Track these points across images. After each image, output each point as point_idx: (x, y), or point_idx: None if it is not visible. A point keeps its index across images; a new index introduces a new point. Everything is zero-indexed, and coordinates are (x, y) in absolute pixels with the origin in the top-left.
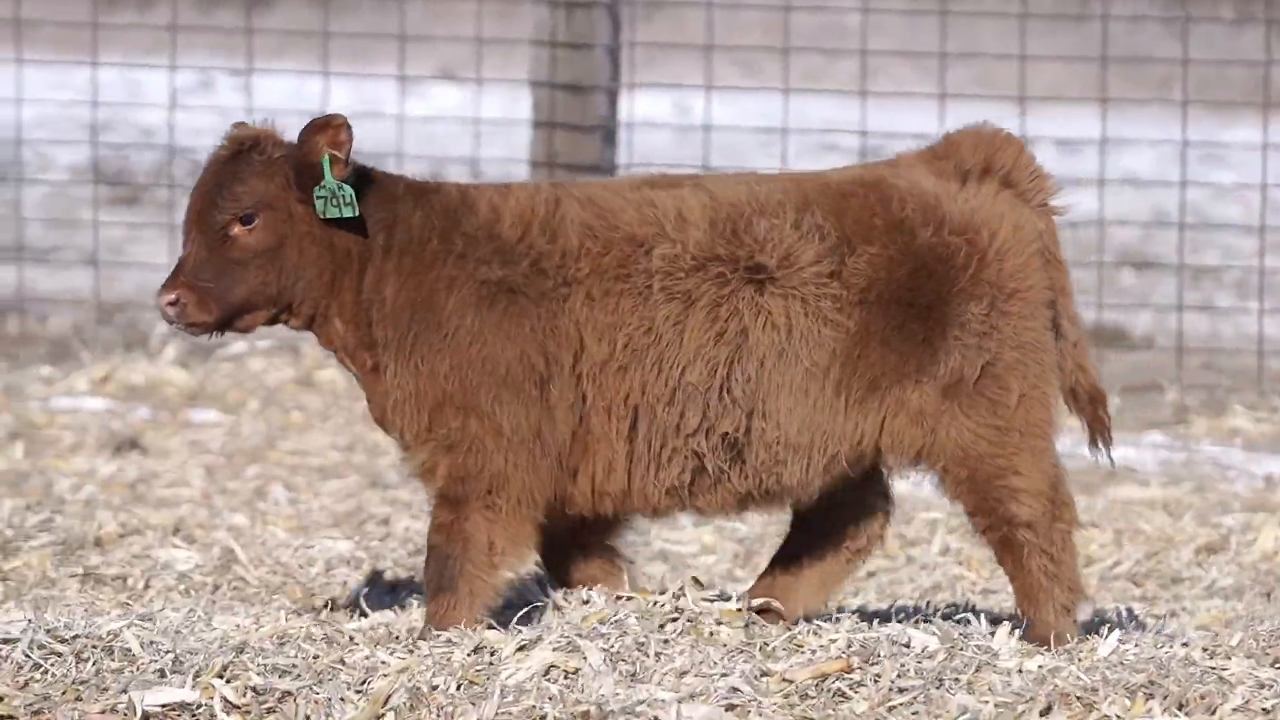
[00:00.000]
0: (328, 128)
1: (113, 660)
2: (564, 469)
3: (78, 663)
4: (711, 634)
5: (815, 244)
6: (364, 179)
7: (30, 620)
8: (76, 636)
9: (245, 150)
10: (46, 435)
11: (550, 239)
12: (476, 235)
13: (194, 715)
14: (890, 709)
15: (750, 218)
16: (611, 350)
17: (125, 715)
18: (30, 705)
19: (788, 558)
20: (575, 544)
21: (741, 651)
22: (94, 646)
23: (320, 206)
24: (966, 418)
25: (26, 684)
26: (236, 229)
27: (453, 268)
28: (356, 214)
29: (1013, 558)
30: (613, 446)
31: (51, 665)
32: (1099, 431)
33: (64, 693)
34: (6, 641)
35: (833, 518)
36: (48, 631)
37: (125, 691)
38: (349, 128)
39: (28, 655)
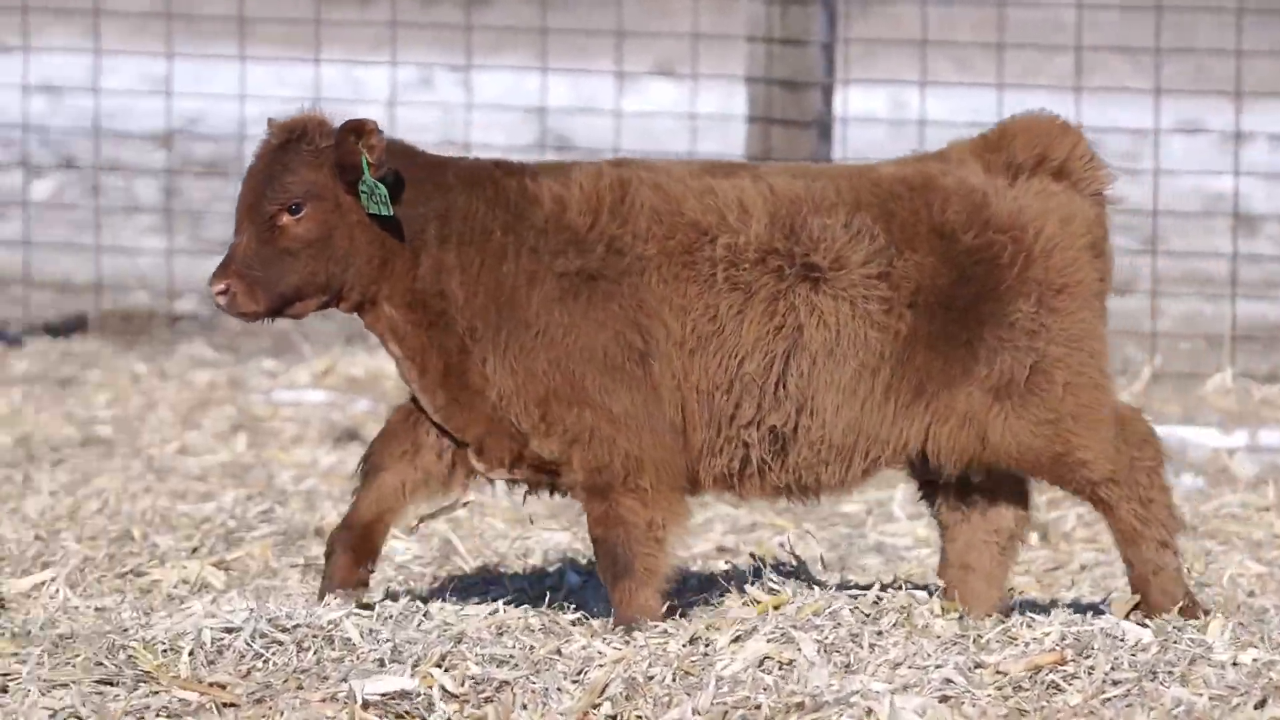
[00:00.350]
0: (361, 132)
1: (333, 649)
2: (681, 441)
3: (299, 652)
4: (925, 626)
5: (865, 246)
6: (412, 163)
7: (252, 610)
8: (298, 626)
9: (294, 140)
10: (269, 427)
11: (620, 223)
12: (545, 228)
13: (413, 704)
14: (1104, 701)
15: (806, 215)
16: (684, 332)
17: (345, 704)
18: (253, 694)
19: (952, 571)
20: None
21: (955, 644)
22: (314, 636)
23: (364, 201)
24: (1019, 418)
25: (249, 673)
26: (285, 219)
27: (528, 261)
28: (392, 214)
29: (1105, 509)
30: (678, 428)
31: (273, 654)
32: None
33: (285, 681)
34: (229, 630)
35: (971, 516)
36: (269, 621)
37: (345, 680)
38: (380, 133)
39: (250, 644)
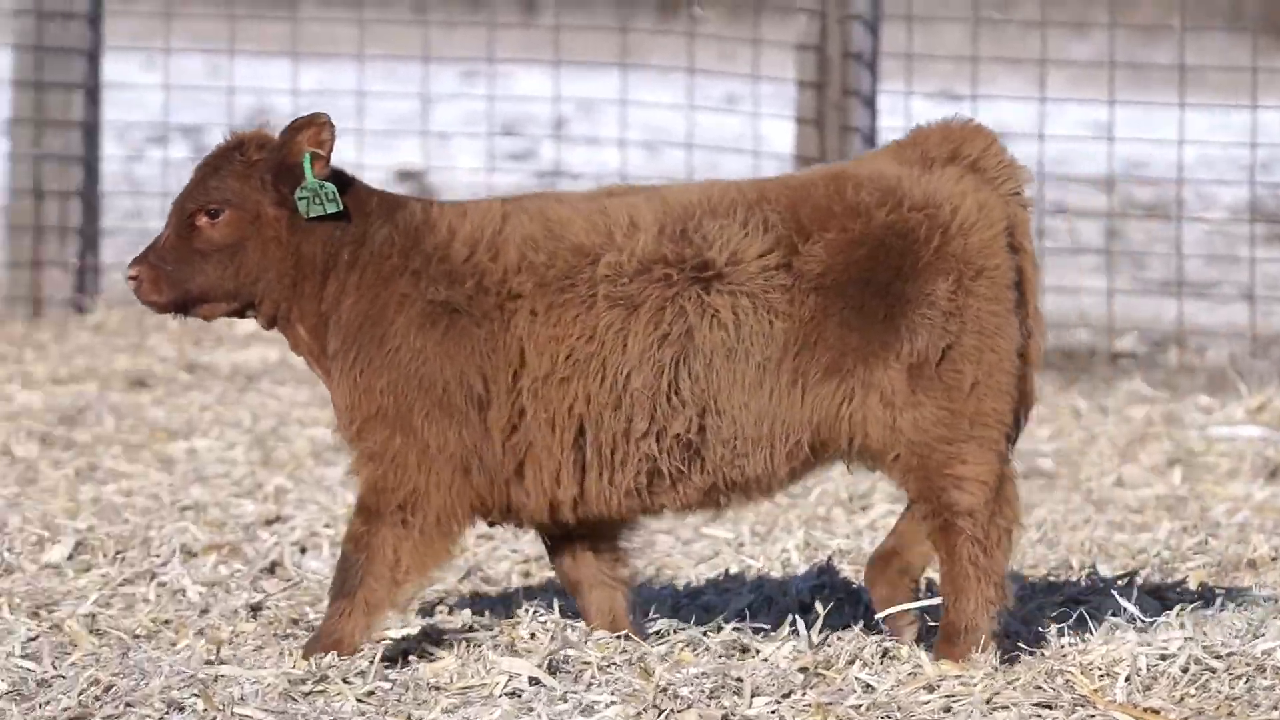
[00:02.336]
0: (310, 126)
1: (1264, 678)
2: (502, 486)
3: (1231, 680)
4: None
5: (761, 237)
6: (344, 190)
7: (1189, 637)
8: (1231, 654)
9: (230, 149)
10: (1204, 462)
11: (493, 256)
12: (432, 255)
13: None
14: None
15: (700, 219)
16: (554, 363)
17: None
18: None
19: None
20: (578, 543)
21: None
22: (1247, 664)
23: (303, 207)
24: (925, 402)
25: (1182, 699)
26: (202, 220)
27: (406, 285)
28: (341, 208)
29: (947, 544)
30: (557, 457)
31: (1207, 681)
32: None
33: (1217, 708)
34: (1164, 657)
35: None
36: (1204, 648)
37: (1276, 709)
38: (331, 126)
39: (1184, 671)
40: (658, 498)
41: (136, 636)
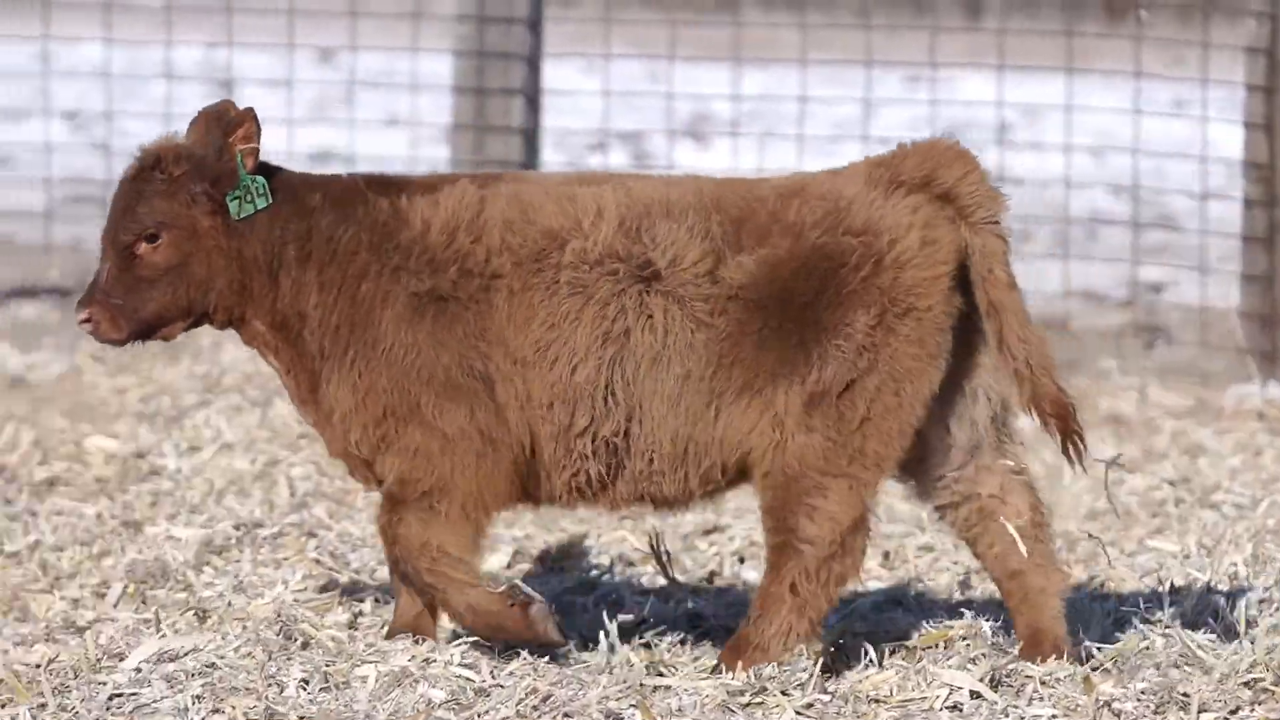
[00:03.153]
0: (240, 124)
1: None
2: (521, 464)
3: None
4: None
5: (699, 244)
6: (277, 184)
7: None
8: None
9: (147, 169)
10: None
11: (474, 239)
12: (410, 248)
13: None
14: None
15: (655, 219)
16: (525, 345)
17: None
18: None
19: (1006, 584)
20: None
21: None
22: None
23: (234, 208)
24: (815, 429)
25: None
26: (142, 248)
27: (387, 282)
28: (271, 200)
29: (777, 562)
30: (522, 443)
31: None
32: (1071, 443)
33: None
34: None
35: (991, 522)
36: None
37: None
38: (256, 119)
39: None
40: (596, 499)
41: (570, 645)
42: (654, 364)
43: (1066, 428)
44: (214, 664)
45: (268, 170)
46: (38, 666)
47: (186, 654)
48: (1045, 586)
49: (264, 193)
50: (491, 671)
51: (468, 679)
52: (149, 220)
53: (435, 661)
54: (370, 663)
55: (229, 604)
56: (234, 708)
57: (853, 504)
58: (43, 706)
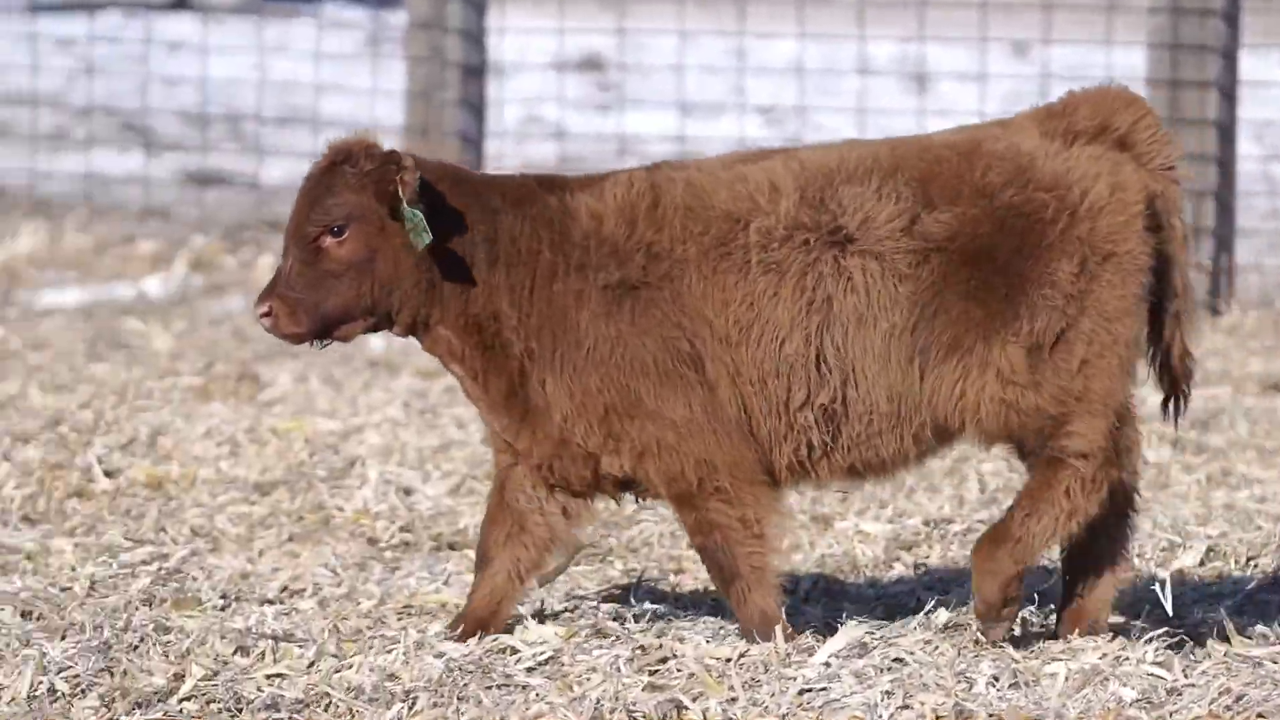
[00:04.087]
0: (398, 166)
1: None
2: (748, 437)
3: None
4: None
5: (892, 204)
6: (459, 187)
7: None
8: None
9: (339, 163)
10: None
11: (656, 228)
12: (586, 243)
13: None
14: None
15: (838, 185)
16: (727, 326)
17: None
18: None
19: (1076, 572)
20: (517, 529)
21: None
22: None
23: (408, 231)
24: (1040, 388)
25: None
26: (328, 241)
27: (575, 279)
28: (431, 239)
29: (1050, 471)
30: (753, 421)
31: None
32: (1175, 403)
33: None
34: None
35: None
36: None
37: None
38: (413, 170)
39: None
40: (815, 473)
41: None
42: (860, 323)
43: (1178, 388)
44: (902, 659)
45: (453, 177)
46: (728, 660)
47: (875, 649)
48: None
49: (424, 230)
50: (1184, 670)
51: (1159, 677)
52: (338, 212)
53: (1127, 659)
54: (1060, 660)
55: (917, 600)
56: (923, 704)
57: (1100, 427)
58: (733, 700)
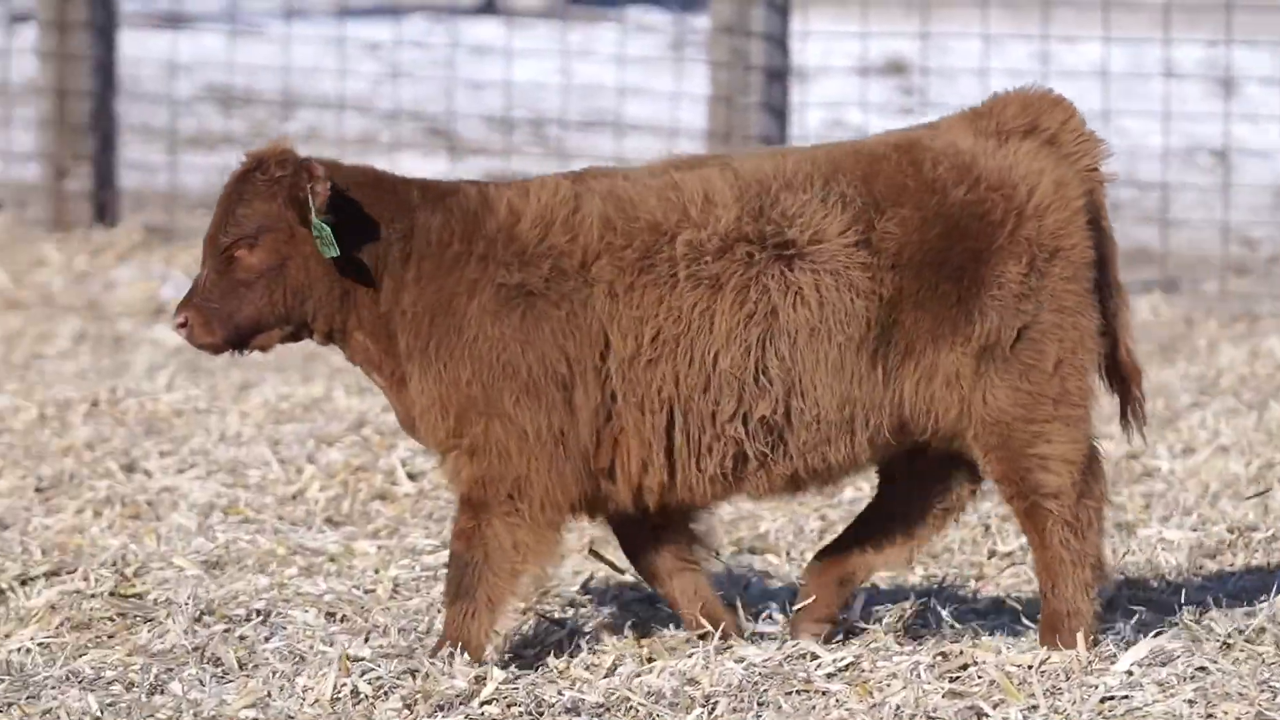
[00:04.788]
0: (310, 175)
1: None
2: (591, 471)
3: None
4: None
5: (841, 213)
6: (375, 190)
7: None
8: None
9: (251, 170)
10: None
11: (570, 238)
12: (496, 238)
13: None
14: None
15: (777, 193)
16: (639, 345)
17: None
18: None
19: (875, 513)
20: (653, 533)
21: None
22: None
23: (319, 248)
24: (1001, 383)
25: None
26: (240, 251)
27: (474, 271)
28: (339, 254)
29: (1036, 528)
30: (647, 442)
31: None
32: (1131, 409)
33: None
34: None
35: (921, 477)
36: None
37: None
38: (325, 180)
39: None
40: (742, 484)
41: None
42: (812, 335)
43: (1129, 392)
44: (1205, 668)
45: (374, 175)
46: (1029, 668)
47: (1178, 657)
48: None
49: (331, 243)
50: None
51: None
52: (248, 223)
53: None
54: None
55: (1219, 608)
56: (1226, 713)
57: (1077, 440)
58: (1034, 708)
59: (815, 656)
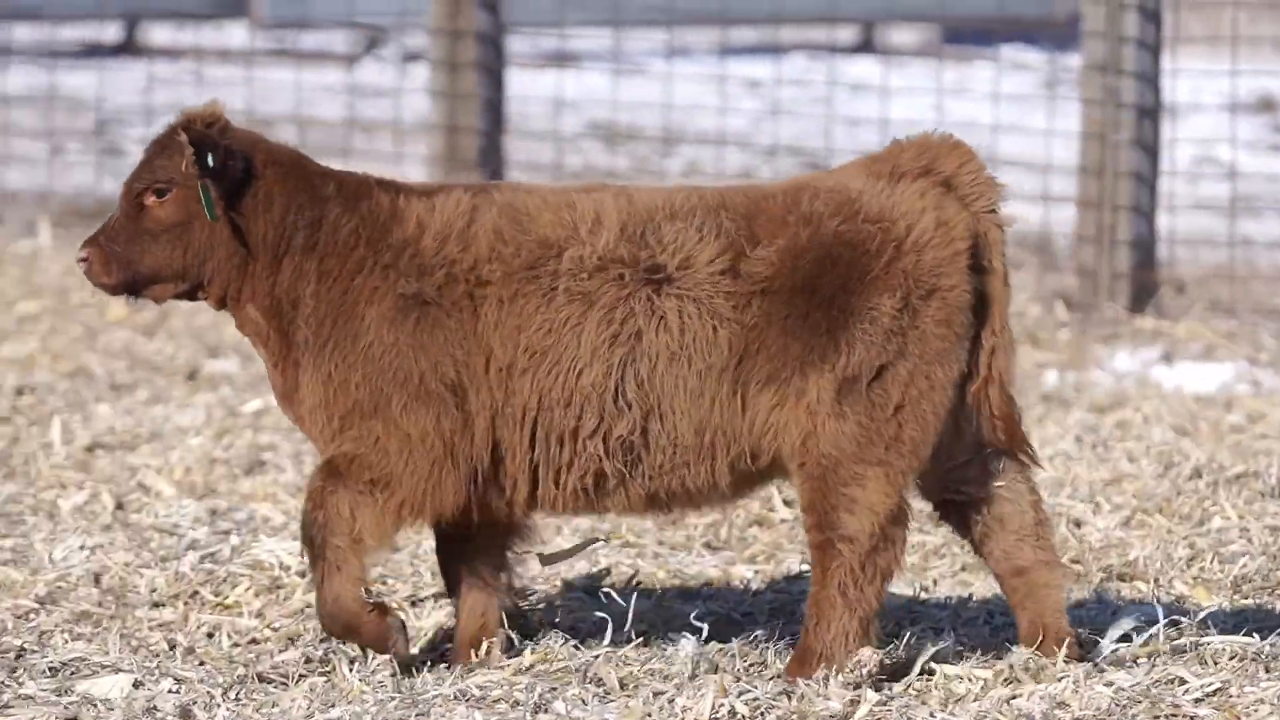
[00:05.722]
0: (201, 121)
1: None
2: (477, 480)
3: None
4: None
5: (713, 242)
6: (292, 170)
7: None
8: None
9: (177, 127)
10: None
11: (463, 248)
12: (402, 248)
13: None
14: None
15: (660, 221)
16: (515, 353)
17: None
18: None
19: (1009, 581)
20: (467, 546)
21: None
22: None
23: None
24: (850, 416)
25: None
26: (150, 200)
27: (377, 279)
28: (214, 218)
29: (821, 565)
30: (517, 452)
31: None
32: (1016, 447)
33: None
34: None
35: (1000, 521)
36: None
37: None
38: (214, 124)
39: None
40: (602, 501)
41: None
42: (672, 361)
43: (1010, 433)
44: None
45: (296, 159)
46: None
47: None
48: (1049, 581)
49: (210, 205)
50: None
51: None
52: (162, 174)
53: None
54: None
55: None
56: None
57: (888, 493)
58: None
59: (1183, 681)
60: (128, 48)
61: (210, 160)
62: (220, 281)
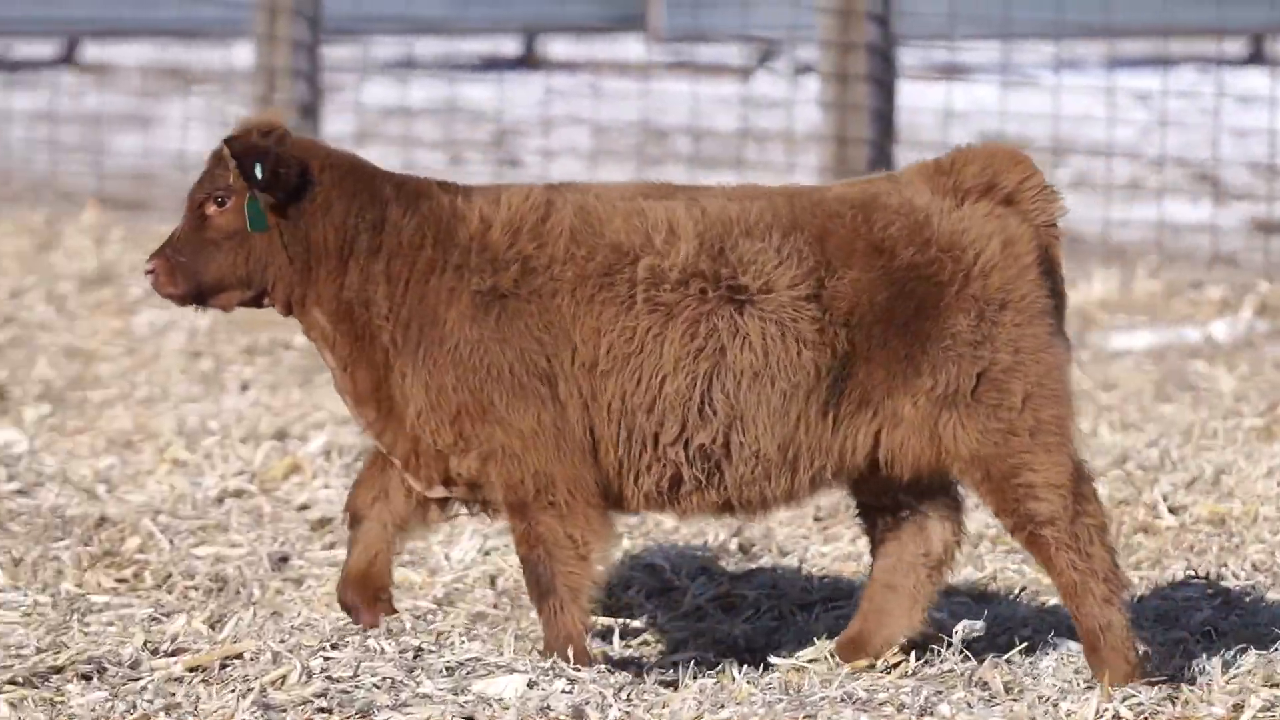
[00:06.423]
0: (259, 133)
1: None
2: (593, 459)
3: None
4: None
5: (794, 268)
6: (351, 174)
7: None
8: None
9: (237, 136)
10: None
11: (538, 244)
12: (470, 245)
13: None
14: None
15: (737, 237)
16: (597, 354)
17: None
18: None
19: (876, 591)
20: (387, 489)
21: None
22: None
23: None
24: (968, 426)
25: None
26: (211, 209)
27: (450, 278)
28: (262, 228)
29: (1042, 556)
30: (605, 446)
31: None
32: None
33: None
34: None
35: (903, 536)
36: None
37: None
38: (270, 134)
39: None
40: (676, 504)
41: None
42: (755, 378)
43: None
44: None
45: (353, 162)
46: None
47: None
48: (903, 611)
49: (255, 216)
50: None
51: None
52: (221, 182)
53: None
54: None
55: None
56: None
57: (1059, 463)
58: None
59: None
60: (526, 61)
61: (258, 171)
62: (284, 287)
